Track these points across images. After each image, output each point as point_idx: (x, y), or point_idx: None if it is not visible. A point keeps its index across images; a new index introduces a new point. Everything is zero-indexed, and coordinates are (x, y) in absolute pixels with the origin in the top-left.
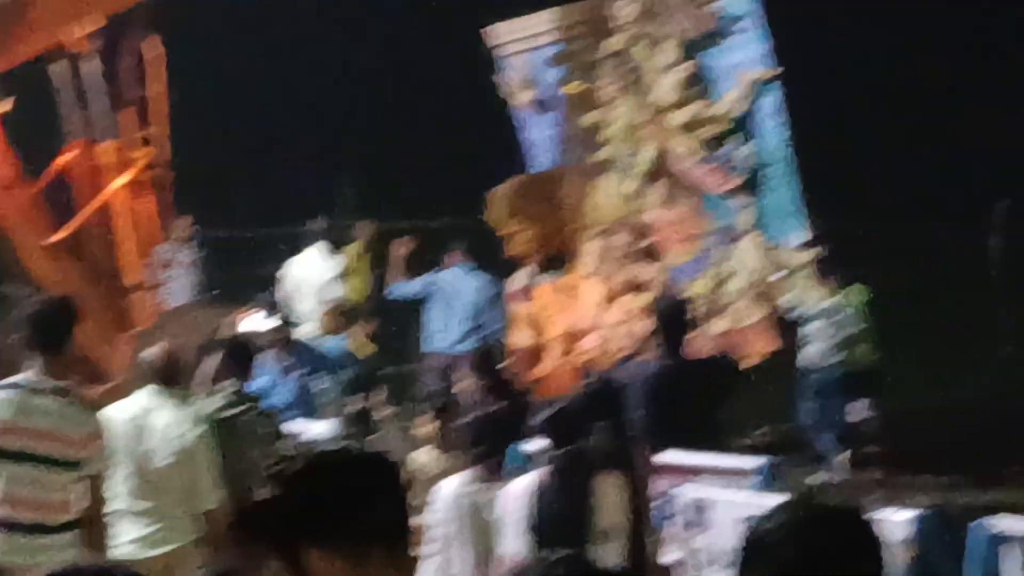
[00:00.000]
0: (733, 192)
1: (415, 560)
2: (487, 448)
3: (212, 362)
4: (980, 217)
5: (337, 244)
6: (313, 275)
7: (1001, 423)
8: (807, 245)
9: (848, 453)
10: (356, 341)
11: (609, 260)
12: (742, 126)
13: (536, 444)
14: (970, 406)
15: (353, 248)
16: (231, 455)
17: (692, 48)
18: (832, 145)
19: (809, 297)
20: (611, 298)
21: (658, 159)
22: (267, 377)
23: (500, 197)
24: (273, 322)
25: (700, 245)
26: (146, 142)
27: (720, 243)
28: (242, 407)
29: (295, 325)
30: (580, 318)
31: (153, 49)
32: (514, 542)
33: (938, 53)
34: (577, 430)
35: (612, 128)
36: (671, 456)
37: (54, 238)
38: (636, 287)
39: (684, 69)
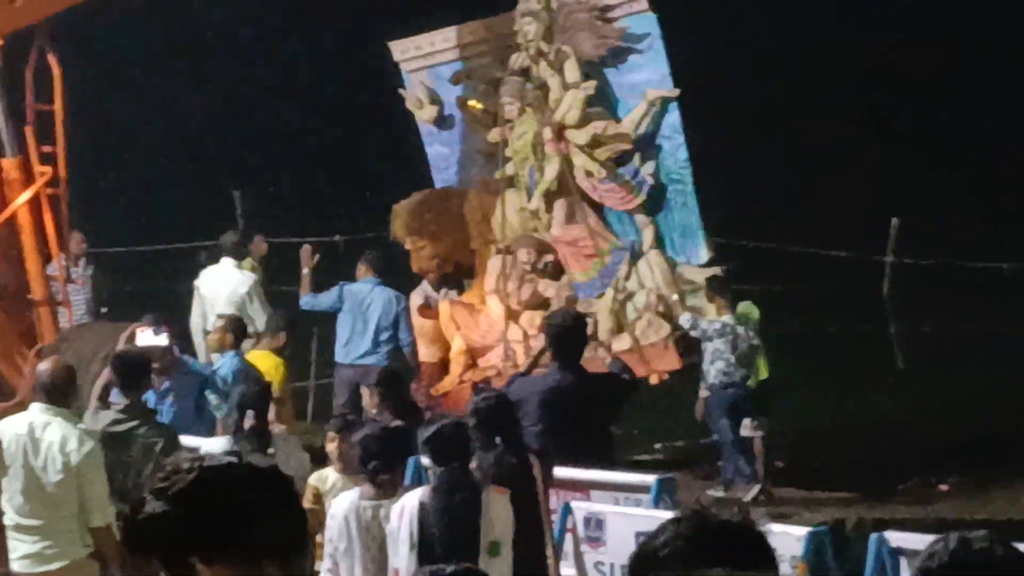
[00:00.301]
0: (635, 210)
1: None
2: (381, 464)
3: (104, 377)
4: (873, 235)
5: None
6: (227, 287)
7: (894, 440)
8: (708, 263)
9: (759, 487)
10: (260, 357)
11: (512, 276)
12: (644, 145)
13: (423, 467)
14: (864, 423)
15: (245, 265)
16: (124, 470)
17: (595, 67)
18: (730, 165)
19: (708, 315)
20: (514, 314)
21: (561, 176)
22: (149, 397)
23: (402, 212)
24: (163, 339)
25: (603, 262)
26: (46, 159)
27: (623, 260)
28: (135, 422)
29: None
30: (483, 334)
31: (51, 67)
32: (403, 557)
33: (836, 76)
34: (462, 446)
35: (515, 145)
36: (567, 471)
37: None
38: (539, 303)
39: (587, 87)
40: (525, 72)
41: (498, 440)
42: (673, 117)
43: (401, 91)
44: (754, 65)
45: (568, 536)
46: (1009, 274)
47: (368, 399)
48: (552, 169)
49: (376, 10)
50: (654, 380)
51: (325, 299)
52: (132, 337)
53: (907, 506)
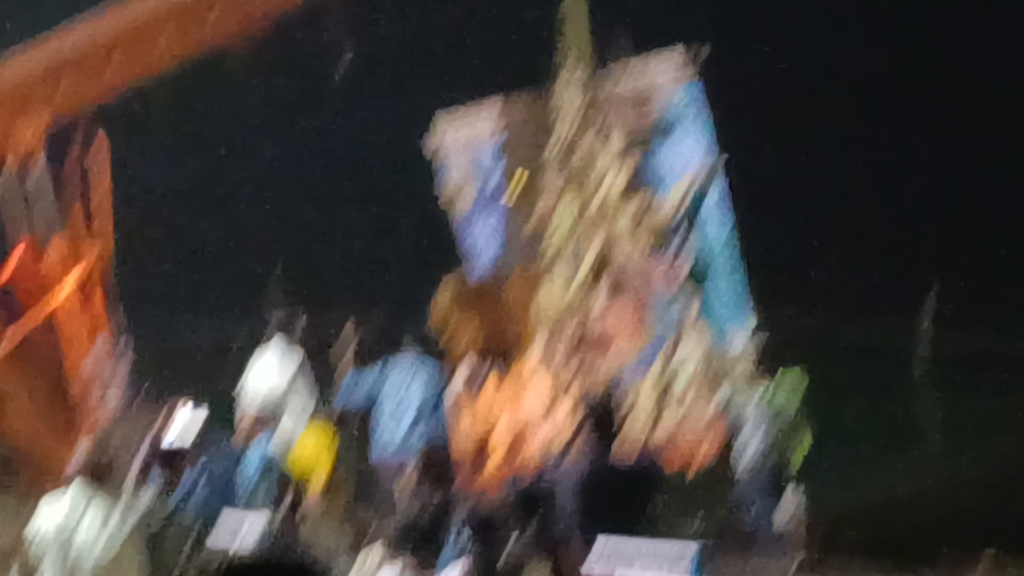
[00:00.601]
0: (679, 285)
1: None
2: (417, 545)
3: (143, 459)
4: (912, 307)
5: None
6: (275, 368)
7: (935, 509)
8: (752, 337)
9: (800, 556)
10: (315, 431)
11: (556, 356)
12: (689, 219)
13: (463, 542)
14: (905, 492)
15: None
16: (157, 558)
17: (637, 141)
18: (774, 237)
19: (751, 388)
20: (558, 396)
21: (604, 253)
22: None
23: (445, 294)
24: (200, 416)
25: (647, 339)
26: (92, 237)
27: (667, 337)
28: (168, 510)
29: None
30: (527, 416)
31: (98, 145)
32: None
33: (877, 145)
34: (499, 529)
35: (557, 223)
36: (603, 544)
37: (2, 350)
38: (584, 384)
39: (629, 162)
40: (566, 148)
41: (531, 526)
42: (716, 190)
43: (443, 169)
44: (797, 136)
45: None
46: None
47: (406, 479)
48: (596, 246)
49: (415, 92)
50: (701, 460)
51: (356, 397)
52: (171, 414)
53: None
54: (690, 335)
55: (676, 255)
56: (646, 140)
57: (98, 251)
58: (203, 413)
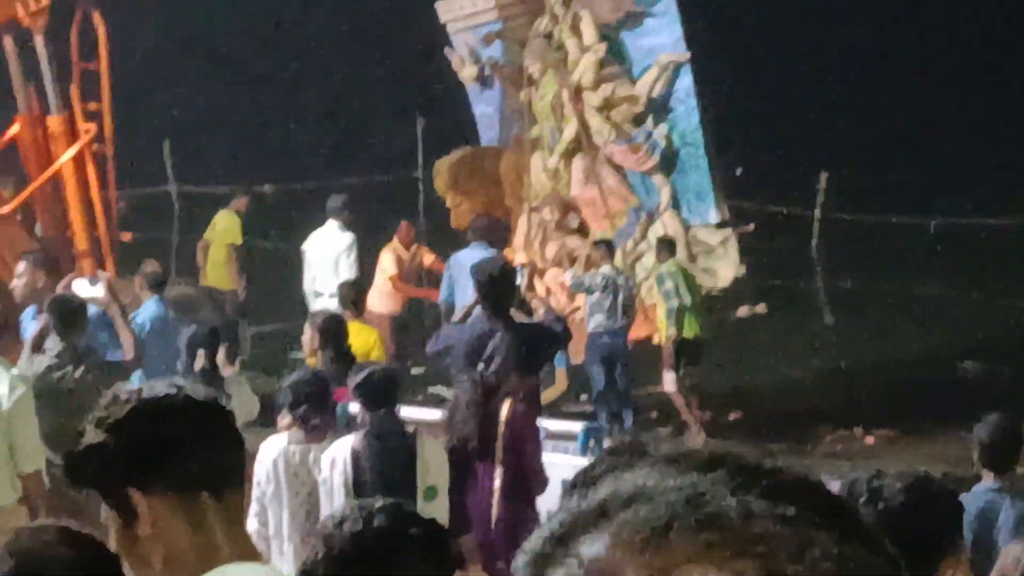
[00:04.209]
0: (651, 171)
1: (244, 507)
2: (310, 408)
3: (40, 322)
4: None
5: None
6: (327, 248)
7: (823, 394)
8: (720, 225)
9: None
10: (362, 330)
11: (540, 234)
12: (657, 108)
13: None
14: (792, 377)
15: (230, 220)
16: (65, 414)
17: (611, 30)
18: (741, 129)
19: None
20: (539, 272)
21: (579, 137)
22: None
23: (442, 169)
24: (99, 290)
25: (614, 224)
26: (91, 116)
27: (638, 221)
28: (72, 366)
29: (319, 295)
30: None
31: (97, 25)
32: (338, 503)
33: (844, 43)
34: (392, 392)
35: (538, 106)
36: None
37: (5, 209)
38: (568, 260)
39: (598, 50)
40: (547, 34)
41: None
42: (686, 81)
43: (448, 51)
44: (766, 30)
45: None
46: (937, 231)
47: (307, 340)
48: (570, 130)
49: None
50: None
51: (445, 288)
52: (68, 287)
53: (835, 458)
54: (660, 221)
55: (644, 144)
56: (619, 29)
57: (93, 133)
58: (100, 287)
